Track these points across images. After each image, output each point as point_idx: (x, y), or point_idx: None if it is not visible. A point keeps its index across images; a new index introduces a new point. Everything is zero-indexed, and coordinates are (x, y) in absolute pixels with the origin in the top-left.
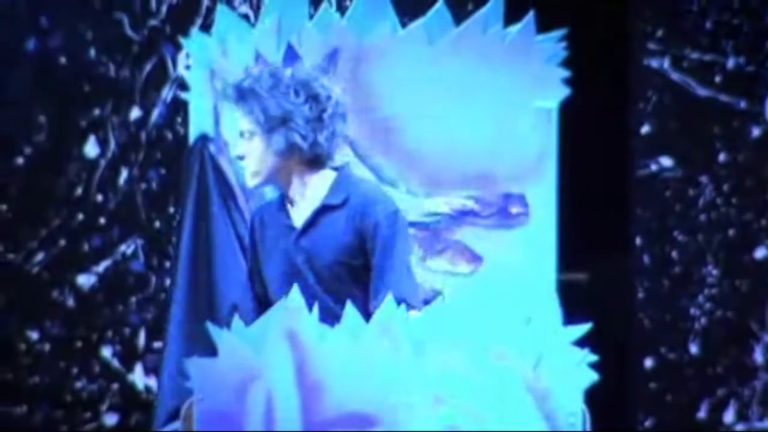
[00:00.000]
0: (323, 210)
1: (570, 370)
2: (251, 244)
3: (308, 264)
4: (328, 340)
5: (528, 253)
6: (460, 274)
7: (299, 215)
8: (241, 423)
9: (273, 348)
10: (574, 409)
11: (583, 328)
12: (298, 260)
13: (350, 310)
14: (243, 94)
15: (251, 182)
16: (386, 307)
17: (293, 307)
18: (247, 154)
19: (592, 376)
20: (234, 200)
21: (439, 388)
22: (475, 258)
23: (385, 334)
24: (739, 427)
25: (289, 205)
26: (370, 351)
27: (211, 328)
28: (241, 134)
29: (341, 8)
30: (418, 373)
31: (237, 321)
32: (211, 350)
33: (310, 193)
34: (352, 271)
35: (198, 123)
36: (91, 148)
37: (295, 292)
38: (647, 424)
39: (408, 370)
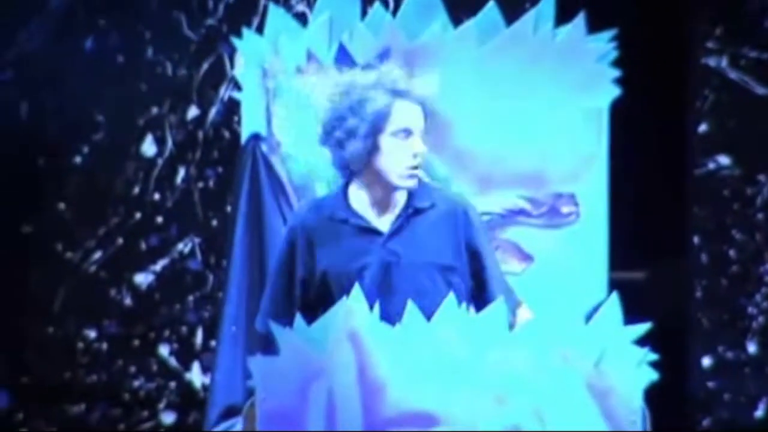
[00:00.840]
0: (414, 213)
1: (631, 369)
2: (302, 248)
3: (397, 265)
4: (389, 340)
5: (579, 252)
6: (511, 273)
7: (383, 220)
8: (302, 422)
9: (335, 347)
10: (634, 408)
11: (643, 327)
12: (386, 261)
13: (411, 309)
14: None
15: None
16: (496, 307)
17: (355, 307)
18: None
19: (652, 375)
20: (286, 198)
21: (501, 387)
22: (526, 257)
23: (446, 333)
24: None
25: (369, 209)
26: (432, 350)
27: (274, 327)
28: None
29: (393, 8)
30: (479, 373)
31: (299, 320)
32: (265, 349)
33: (395, 198)
34: (442, 270)
35: (250, 122)
36: (148, 147)
37: (357, 291)
38: (705, 423)
39: (469, 369)
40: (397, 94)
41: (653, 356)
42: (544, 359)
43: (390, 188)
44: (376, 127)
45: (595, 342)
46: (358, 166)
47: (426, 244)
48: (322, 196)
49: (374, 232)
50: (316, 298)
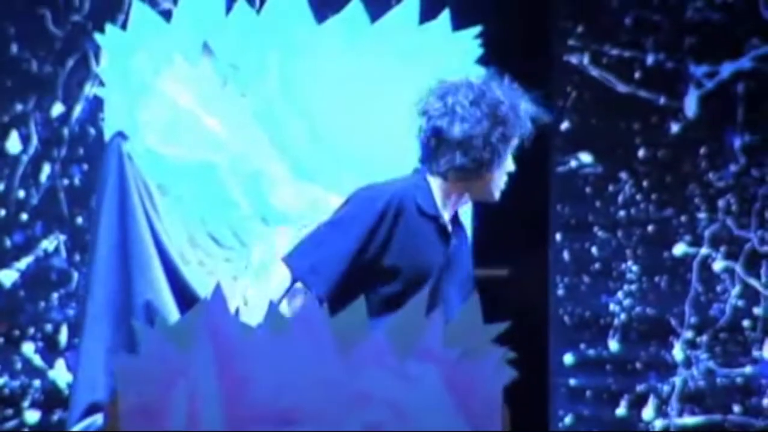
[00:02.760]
0: (455, 220)
1: (491, 367)
2: (386, 226)
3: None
4: (251, 337)
5: None
6: None
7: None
8: (164, 420)
9: (196, 345)
10: (494, 407)
11: (502, 326)
12: (443, 267)
13: (272, 309)
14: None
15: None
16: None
17: (215, 304)
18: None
19: (513, 373)
20: (149, 196)
21: (362, 386)
22: None
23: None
24: (658, 422)
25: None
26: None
27: (136, 325)
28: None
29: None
30: (340, 371)
31: (161, 318)
32: (128, 347)
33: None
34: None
35: (114, 120)
36: (13, 144)
37: (218, 288)
38: (567, 420)
39: (330, 367)
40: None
41: (512, 354)
42: (404, 357)
43: (469, 197)
44: (511, 137)
45: (456, 339)
46: (481, 170)
47: (461, 260)
48: (404, 179)
49: (448, 236)
50: (377, 284)
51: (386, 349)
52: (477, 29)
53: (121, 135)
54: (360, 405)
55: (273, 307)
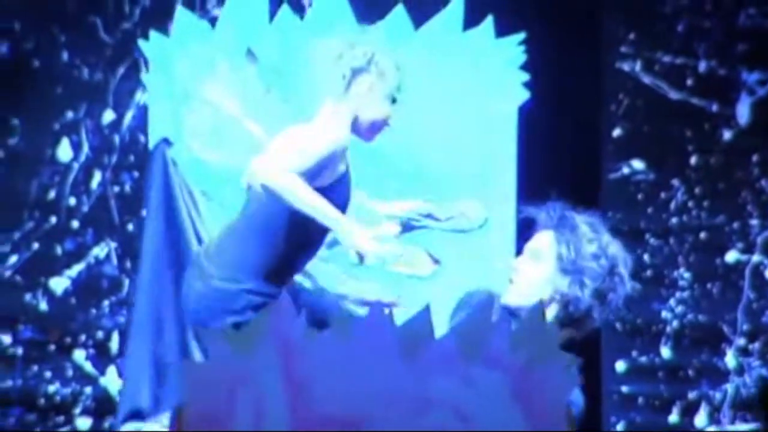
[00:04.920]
0: None
1: (558, 373)
2: None
3: None
4: (316, 342)
5: (486, 257)
6: (419, 277)
7: None
8: (231, 425)
9: (262, 350)
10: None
11: (568, 333)
12: None
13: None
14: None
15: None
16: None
17: (281, 309)
18: None
19: (578, 380)
20: (194, 204)
21: (425, 392)
22: (434, 261)
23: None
24: (710, 430)
25: None
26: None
27: (201, 331)
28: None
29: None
30: (404, 377)
31: (226, 324)
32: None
33: None
34: None
35: (158, 127)
36: (64, 152)
37: (284, 294)
38: (619, 427)
39: (394, 373)
40: None
41: (579, 361)
42: (470, 363)
43: None
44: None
45: (522, 345)
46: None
47: None
48: None
49: None
50: None
51: (452, 354)
52: (521, 36)
53: (165, 141)
54: (425, 411)
55: (338, 314)
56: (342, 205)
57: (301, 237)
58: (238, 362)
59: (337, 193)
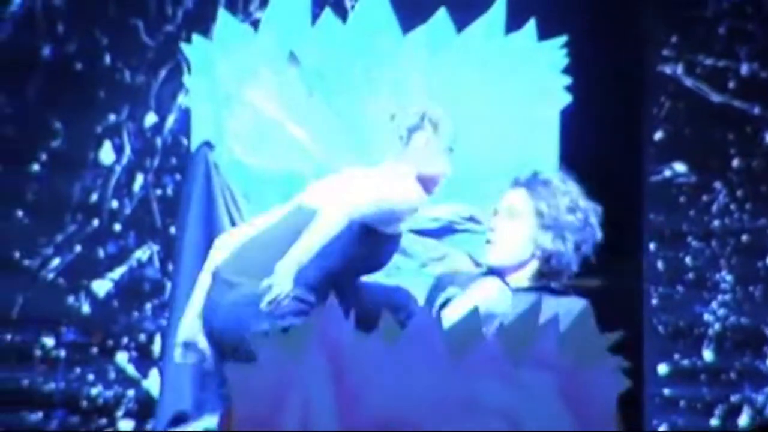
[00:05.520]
0: None
1: (606, 376)
2: None
3: None
4: (364, 346)
5: None
6: None
7: None
8: (279, 428)
9: (311, 353)
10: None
11: (616, 335)
12: None
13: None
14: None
15: None
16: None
17: (329, 312)
18: None
19: (626, 383)
20: (236, 206)
21: (473, 395)
22: (476, 265)
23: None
24: None
25: None
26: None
27: (251, 336)
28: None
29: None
30: (452, 382)
31: (275, 327)
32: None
33: None
34: None
35: (200, 130)
36: (106, 154)
37: (332, 297)
38: (661, 430)
39: (442, 377)
40: None
41: (626, 363)
42: (518, 365)
43: None
44: None
45: (570, 347)
46: None
47: None
48: None
49: None
50: None
51: (500, 356)
52: (562, 39)
53: (207, 144)
54: (473, 413)
55: (387, 316)
56: (384, 263)
57: (354, 254)
58: (286, 366)
59: (387, 249)
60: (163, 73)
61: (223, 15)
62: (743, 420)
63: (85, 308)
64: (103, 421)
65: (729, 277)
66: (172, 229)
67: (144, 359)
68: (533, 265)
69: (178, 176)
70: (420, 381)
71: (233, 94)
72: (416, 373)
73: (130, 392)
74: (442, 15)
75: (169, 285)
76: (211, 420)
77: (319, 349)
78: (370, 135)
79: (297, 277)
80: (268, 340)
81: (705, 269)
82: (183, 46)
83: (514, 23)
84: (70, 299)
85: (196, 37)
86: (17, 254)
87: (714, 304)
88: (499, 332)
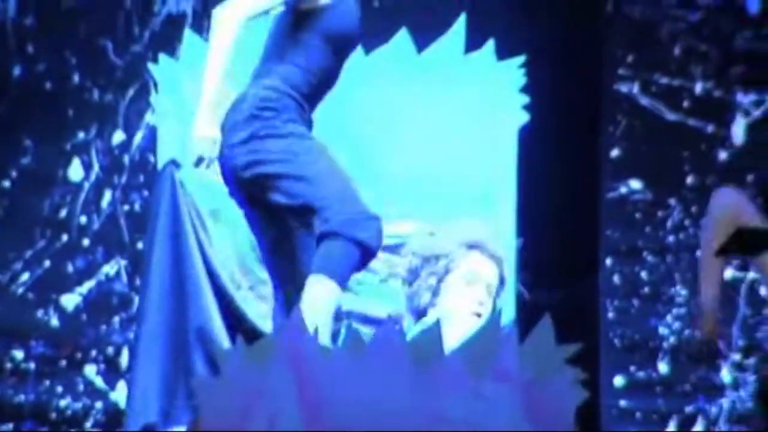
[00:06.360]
0: None
1: (565, 388)
2: None
3: None
4: (329, 358)
5: None
6: None
7: None
8: None
9: (276, 366)
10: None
11: (573, 347)
12: None
13: (350, 331)
14: None
15: None
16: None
17: (294, 325)
18: None
19: (584, 394)
20: (202, 223)
21: (436, 406)
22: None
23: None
24: None
25: None
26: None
27: (215, 348)
28: None
29: None
30: (413, 393)
31: (240, 340)
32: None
33: None
34: None
35: (167, 148)
36: (75, 171)
37: (297, 309)
38: None
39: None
40: None
41: (584, 375)
42: (480, 378)
43: None
44: None
45: (530, 360)
46: None
47: None
48: None
49: None
50: None
51: (462, 370)
52: (521, 59)
53: (174, 162)
54: (437, 426)
55: (351, 329)
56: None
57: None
58: (252, 378)
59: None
60: (130, 92)
61: (189, 36)
62: (697, 431)
63: (54, 322)
64: None
65: (683, 292)
66: (140, 245)
67: (112, 372)
68: None
69: (145, 193)
70: (384, 393)
71: None
72: (380, 386)
73: (99, 404)
74: (403, 35)
75: (136, 299)
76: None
77: (285, 362)
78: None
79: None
80: (234, 352)
81: (660, 284)
82: (150, 66)
83: (473, 43)
84: (40, 313)
85: (162, 57)
86: None
87: (669, 318)
88: (461, 346)
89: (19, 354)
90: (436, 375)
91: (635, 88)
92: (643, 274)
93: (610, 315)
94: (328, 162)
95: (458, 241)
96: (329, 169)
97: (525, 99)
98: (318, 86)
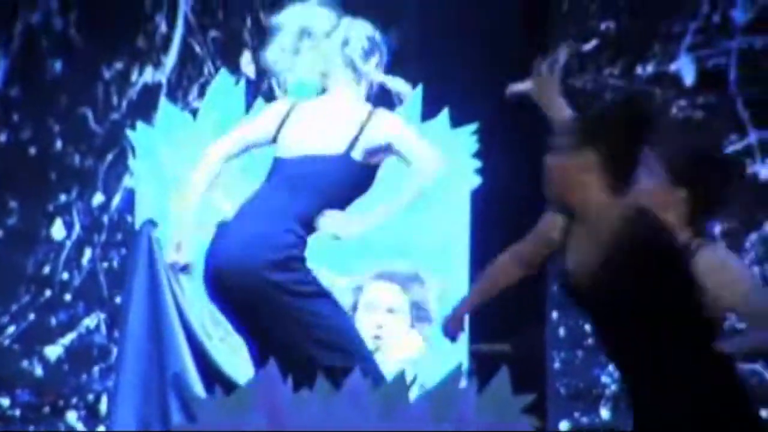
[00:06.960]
0: None
1: None
2: None
3: None
4: (303, 407)
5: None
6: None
7: None
8: None
9: (252, 415)
10: None
11: (529, 398)
12: None
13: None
14: None
15: None
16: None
17: (269, 376)
18: None
19: None
20: (177, 279)
21: None
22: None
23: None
24: None
25: None
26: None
27: (192, 398)
28: None
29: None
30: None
31: (217, 389)
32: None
33: None
34: None
35: (144, 208)
36: (58, 231)
37: (272, 361)
38: None
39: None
40: None
41: (538, 424)
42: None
43: None
44: None
45: (487, 408)
46: None
47: None
48: None
49: None
50: None
51: (426, 416)
52: (474, 126)
53: (150, 222)
54: None
55: (321, 379)
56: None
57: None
58: (229, 427)
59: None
60: (109, 157)
61: (164, 104)
62: None
63: (38, 371)
64: None
65: None
66: (118, 299)
67: (92, 418)
68: None
69: (123, 251)
70: None
71: (176, 175)
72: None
73: None
74: None
75: (115, 350)
76: None
77: (260, 410)
78: None
79: (289, 213)
80: (211, 402)
81: None
82: (128, 132)
83: (429, 112)
84: (25, 363)
85: (139, 125)
86: None
87: (611, 367)
88: (424, 394)
89: (5, 401)
90: (401, 421)
91: None
92: (587, 327)
93: (557, 365)
94: None
95: (371, 274)
96: None
97: (477, 163)
98: None
